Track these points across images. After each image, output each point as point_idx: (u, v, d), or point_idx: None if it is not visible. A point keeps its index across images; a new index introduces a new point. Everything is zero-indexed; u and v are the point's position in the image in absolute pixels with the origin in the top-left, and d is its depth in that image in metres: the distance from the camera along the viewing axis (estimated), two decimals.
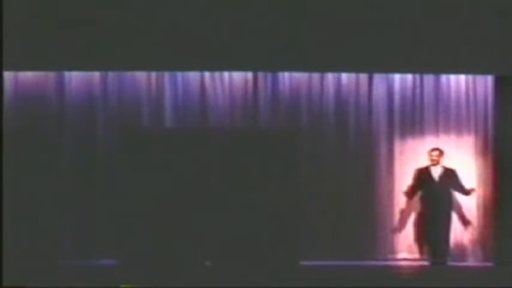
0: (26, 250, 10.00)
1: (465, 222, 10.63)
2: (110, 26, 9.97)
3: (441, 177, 10.49)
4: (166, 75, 10.65)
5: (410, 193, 10.59)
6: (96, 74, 10.54)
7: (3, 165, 8.98)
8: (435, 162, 10.51)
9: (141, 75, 10.60)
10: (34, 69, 10.28)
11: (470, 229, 10.68)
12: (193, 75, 10.66)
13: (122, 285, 8.10)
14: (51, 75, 10.46)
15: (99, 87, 10.56)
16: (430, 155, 10.54)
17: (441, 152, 10.55)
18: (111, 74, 10.54)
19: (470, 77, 10.81)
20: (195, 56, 10.11)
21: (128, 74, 10.53)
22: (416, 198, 10.63)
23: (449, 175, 10.49)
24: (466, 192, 10.42)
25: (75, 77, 10.51)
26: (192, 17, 10.09)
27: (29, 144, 10.29)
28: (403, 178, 10.72)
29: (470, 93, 10.83)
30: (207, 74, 10.69)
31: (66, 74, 10.48)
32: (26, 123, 10.32)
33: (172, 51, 10.08)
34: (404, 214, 10.73)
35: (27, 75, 10.40)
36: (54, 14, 9.95)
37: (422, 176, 10.52)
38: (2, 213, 8.88)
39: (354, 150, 10.70)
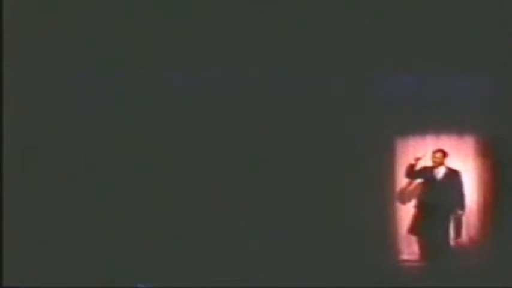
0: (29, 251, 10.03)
1: (465, 222, 10.64)
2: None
3: (443, 177, 10.50)
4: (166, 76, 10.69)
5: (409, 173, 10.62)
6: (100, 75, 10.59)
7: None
8: (438, 164, 10.52)
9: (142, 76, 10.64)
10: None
11: (470, 230, 10.68)
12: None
13: (140, 285, 8.12)
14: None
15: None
16: (433, 157, 10.55)
17: (445, 154, 10.56)
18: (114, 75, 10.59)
19: (471, 77, 10.80)
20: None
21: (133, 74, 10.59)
22: (417, 198, 10.64)
23: (452, 176, 10.50)
24: (462, 200, 10.44)
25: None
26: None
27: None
28: (404, 179, 10.74)
29: (471, 93, 10.82)
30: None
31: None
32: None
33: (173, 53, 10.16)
34: (404, 214, 10.74)
35: None
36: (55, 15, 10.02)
37: (425, 174, 10.53)
38: (2, 213, 8.89)
39: (354, 150, 10.69)
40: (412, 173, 10.58)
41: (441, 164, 10.55)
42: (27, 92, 10.27)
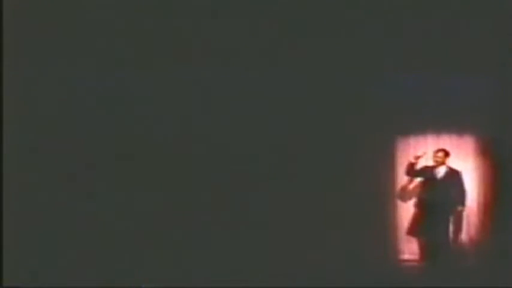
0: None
1: (465, 222, 10.64)
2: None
3: (444, 177, 10.50)
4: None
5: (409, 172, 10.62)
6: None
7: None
8: (439, 163, 10.52)
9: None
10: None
11: (470, 230, 10.68)
12: None
13: (143, 285, 8.11)
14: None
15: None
16: (435, 156, 10.55)
17: (446, 153, 10.56)
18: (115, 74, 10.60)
19: (471, 77, 10.80)
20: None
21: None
22: (417, 197, 10.64)
23: (453, 176, 10.49)
24: (462, 197, 10.42)
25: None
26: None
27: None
28: (404, 178, 10.75)
29: (471, 93, 10.81)
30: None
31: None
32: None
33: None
34: (404, 214, 10.75)
35: None
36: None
37: (425, 173, 10.53)
38: (2, 213, 8.89)
39: (354, 150, 10.69)
40: (412, 171, 10.59)
41: (442, 163, 10.55)
42: (27, 92, 10.27)
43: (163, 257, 10.05)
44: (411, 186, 10.80)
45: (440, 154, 10.57)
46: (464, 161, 10.74)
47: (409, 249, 10.70)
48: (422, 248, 10.60)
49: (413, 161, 10.56)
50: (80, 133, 10.46)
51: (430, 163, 10.62)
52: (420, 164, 10.63)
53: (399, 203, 10.81)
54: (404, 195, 10.83)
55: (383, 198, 10.77)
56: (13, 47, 9.60)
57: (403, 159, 10.79)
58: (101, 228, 10.28)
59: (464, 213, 10.58)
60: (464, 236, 10.64)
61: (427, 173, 10.57)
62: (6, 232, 9.01)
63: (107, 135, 10.48)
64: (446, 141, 10.80)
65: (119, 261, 9.99)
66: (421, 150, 10.66)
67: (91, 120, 10.52)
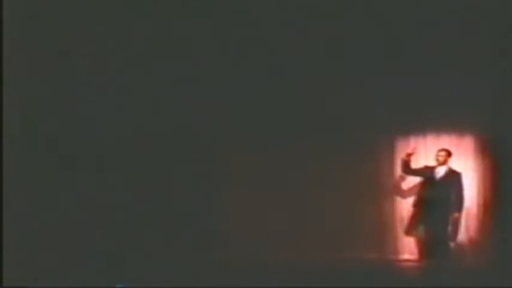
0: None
1: (465, 222, 10.64)
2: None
3: (443, 177, 10.49)
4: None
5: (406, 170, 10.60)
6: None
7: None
8: (441, 163, 10.50)
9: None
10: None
11: (470, 229, 10.69)
12: None
13: (117, 286, 8.10)
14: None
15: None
16: (437, 155, 10.54)
17: (449, 153, 10.55)
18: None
19: (471, 77, 10.81)
20: None
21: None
22: (416, 197, 10.65)
23: (453, 177, 10.48)
24: (460, 202, 10.40)
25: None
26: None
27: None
28: (403, 178, 10.74)
29: (471, 93, 10.81)
30: None
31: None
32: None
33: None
34: (403, 213, 10.75)
35: None
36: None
37: (425, 173, 10.52)
38: (2, 213, 8.89)
39: (354, 149, 10.71)
40: (409, 169, 10.56)
41: (444, 163, 10.53)
42: (27, 92, 10.29)
43: (162, 257, 10.07)
44: (411, 185, 10.80)
45: (443, 153, 10.54)
46: (464, 161, 10.74)
47: (408, 249, 10.71)
48: (421, 248, 10.61)
49: (405, 158, 10.54)
50: (80, 133, 10.48)
51: (432, 162, 10.61)
52: (420, 163, 10.63)
53: (398, 202, 10.82)
54: (403, 194, 10.84)
55: (382, 198, 10.78)
56: (13, 47, 9.60)
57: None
58: (101, 227, 10.30)
59: (464, 214, 10.59)
60: (464, 236, 10.64)
61: (427, 172, 10.56)
62: (6, 232, 9.00)
63: (108, 134, 10.50)
64: (446, 141, 10.79)
65: (119, 261, 10.00)
66: (411, 147, 10.63)
67: (91, 120, 10.53)
